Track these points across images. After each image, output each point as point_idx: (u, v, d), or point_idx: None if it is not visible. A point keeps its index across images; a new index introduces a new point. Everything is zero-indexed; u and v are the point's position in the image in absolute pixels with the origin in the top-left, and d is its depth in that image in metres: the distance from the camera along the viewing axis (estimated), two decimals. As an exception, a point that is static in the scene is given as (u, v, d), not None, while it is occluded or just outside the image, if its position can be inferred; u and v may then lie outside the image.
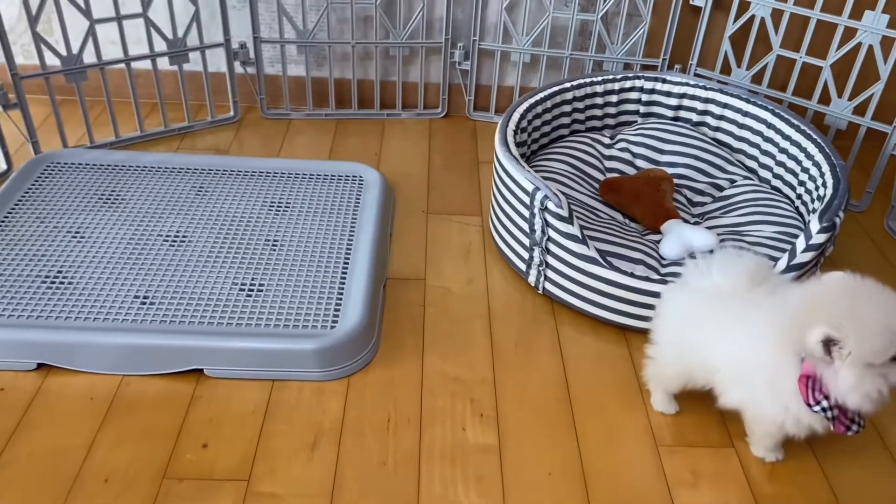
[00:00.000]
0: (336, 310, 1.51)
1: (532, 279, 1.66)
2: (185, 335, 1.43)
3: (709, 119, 2.00)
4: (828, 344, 1.05)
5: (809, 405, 1.10)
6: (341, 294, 1.54)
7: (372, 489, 1.24)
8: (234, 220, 1.74)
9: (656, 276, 1.53)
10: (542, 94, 1.90)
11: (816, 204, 1.68)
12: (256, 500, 1.22)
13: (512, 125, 1.77)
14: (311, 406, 1.38)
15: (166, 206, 1.78)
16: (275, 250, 1.66)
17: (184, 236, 1.69)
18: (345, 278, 1.59)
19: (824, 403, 1.10)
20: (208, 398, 1.39)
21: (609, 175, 1.91)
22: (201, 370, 1.42)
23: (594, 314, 1.58)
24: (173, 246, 1.65)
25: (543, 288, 1.65)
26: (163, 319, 1.46)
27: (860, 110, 1.93)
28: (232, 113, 2.23)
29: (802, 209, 1.78)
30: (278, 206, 1.80)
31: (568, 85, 1.96)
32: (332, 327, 1.47)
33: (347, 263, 1.63)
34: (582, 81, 1.97)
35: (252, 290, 1.55)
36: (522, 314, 1.62)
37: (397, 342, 1.53)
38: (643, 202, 1.75)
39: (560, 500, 1.25)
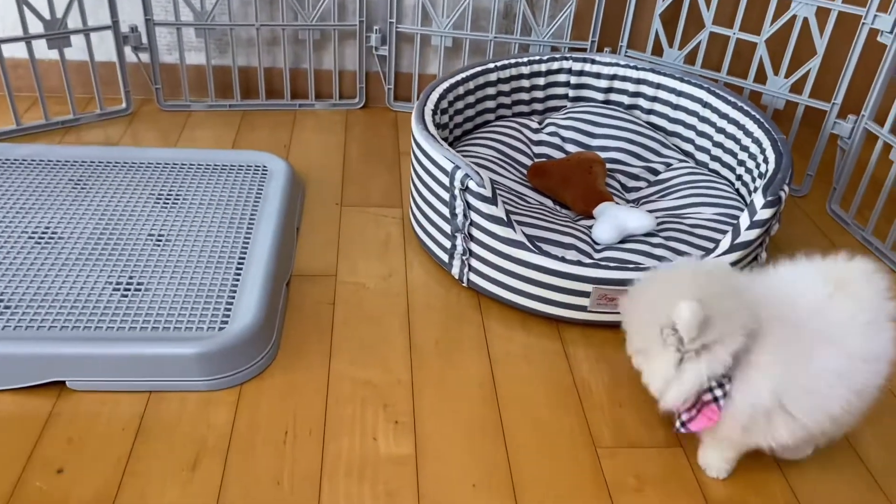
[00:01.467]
0: (227, 310, 1.30)
1: (455, 271, 1.49)
2: (43, 342, 1.21)
3: (641, 101, 1.87)
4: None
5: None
6: (234, 293, 1.34)
7: (262, 514, 1.04)
8: (115, 215, 1.53)
9: (589, 261, 1.37)
10: (463, 74, 1.75)
11: (758, 182, 1.56)
12: (118, 534, 1.00)
13: (430, 104, 1.60)
14: (193, 420, 1.18)
15: (36, 202, 1.55)
16: (159, 246, 1.45)
17: (53, 233, 1.46)
18: (239, 275, 1.38)
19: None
20: (69, 415, 1.16)
21: (538, 160, 1.76)
22: (63, 382, 1.20)
23: (523, 306, 1.41)
24: (39, 244, 1.43)
25: (468, 280, 1.48)
26: (18, 325, 1.24)
27: (797, 88, 1.83)
28: (124, 105, 2.01)
29: (743, 191, 1.65)
30: (167, 199, 1.59)
31: (492, 65, 1.81)
32: (221, 329, 1.26)
33: (243, 259, 1.42)
34: (507, 62, 1.83)
35: (129, 290, 1.33)
36: (445, 310, 1.45)
37: (300, 345, 1.33)
38: (574, 186, 1.60)
39: (486, 515, 1.07)
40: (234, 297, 1.33)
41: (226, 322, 1.28)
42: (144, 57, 1.99)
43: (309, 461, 1.12)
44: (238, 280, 1.37)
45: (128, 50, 1.97)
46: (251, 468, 1.10)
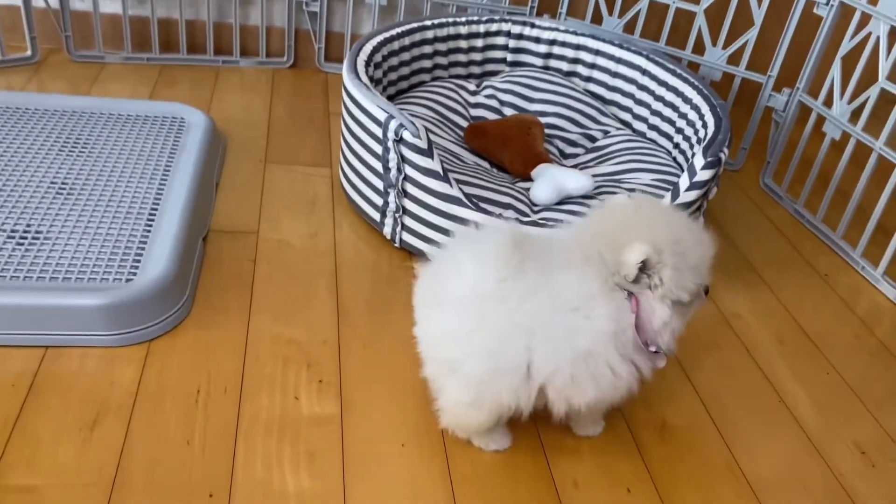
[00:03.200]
0: (135, 261, 1.19)
1: (387, 230, 1.41)
2: (-79, 291, 1.07)
3: (580, 68, 1.83)
4: (645, 269, 0.90)
5: (646, 345, 0.94)
6: (143, 244, 1.23)
7: (168, 473, 0.94)
8: (12, 162, 1.39)
9: (527, 220, 1.32)
10: (399, 29, 1.67)
11: (696, 149, 1.53)
12: (3, 495, 0.89)
13: (364, 55, 1.52)
14: (95, 377, 1.06)
15: (-79, 144, 1.40)
16: (62, 194, 1.32)
17: (-61, 177, 1.32)
18: (150, 227, 1.27)
19: (653, 347, 0.95)
20: (-50, 371, 1.04)
21: (475, 122, 1.69)
22: (-56, 336, 1.07)
23: (458, 266, 1.34)
24: (-77, 188, 1.28)
25: (400, 240, 1.40)
26: None
27: (735, 60, 1.83)
28: (29, 52, 1.86)
29: (681, 159, 1.63)
30: (73, 147, 1.46)
31: (428, 23, 1.73)
32: (129, 281, 1.15)
33: (155, 210, 1.31)
34: (444, 20, 1.76)
35: (25, 239, 1.20)
36: (375, 270, 1.37)
37: (218, 301, 1.23)
38: (512, 147, 1.54)
39: (416, 473, 0.99)
40: (143, 249, 1.22)
41: (133, 274, 1.16)
42: (53, 2, 1.83)
43: (223, 420, 1.03)
44: (149, 231, 1.26)
45: (34, -8, 1.81)
46: (158, 428, 1.00)
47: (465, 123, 1.68)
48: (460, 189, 1.31)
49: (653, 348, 0.94)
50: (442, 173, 1.29)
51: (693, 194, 1.34)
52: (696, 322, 1.35)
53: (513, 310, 0.90)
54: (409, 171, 1.31)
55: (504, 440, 1.04)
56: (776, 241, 1.66)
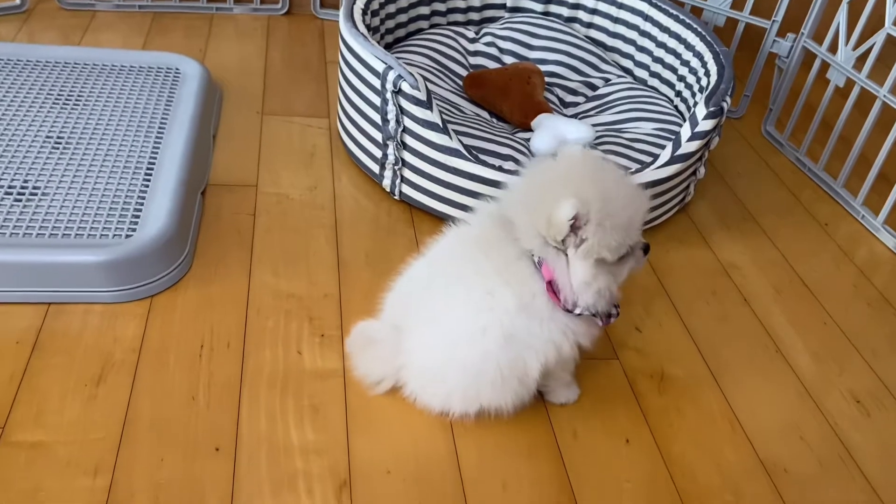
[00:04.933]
0: (135, 216, 1.19)
1: (387, 183, 1.40)
2: (-79, 249, 1.07)
3: (581, 14, 1.79)
4: (574, 226, 0.87)
5: (569, 311, 0.92)
6: (142, 199, 1.22)
7: (174, 429, 0.96)
8: (6, 116, 1.37)
9: (528, 171, 1.31)
10: (395, -25, 1.63)
11: (699, 98, 1.52)
12: (11, 451, 0.90)
13: (360, 2, 1.48)
14: (98, 333, 1.07)
15: (-87, 98, 1.38)
16: (58, 149, 1.31)
17: (-67, 132, 1.30)
18: (148, 181, 1.26)
19: (577, 309, 0.92)
20: (-46, 329, 1.05)
21: (474, 70, 1.67)
22: (-54, 294, 1.08)
23: (458, 218, 1.34)
24: (-83, 143, 1.27)
25: (400, 192, 1.40)
26: None
27: (738, 5, 1.79)
28: (18, 1, 1.82)
29: (682, 108, 1.61)
30: (66, 100, 1.44)
31: (426, -32, 1.69)
32: (129, 236, 1.15)
33: (153, 165, 1.30)
34: (441, -35, 1.72)
35: (23, 195, 1.20)
36: (375, 223, 1.36)
37: (218, 256, 1.23)
38: (512, 96, 1.52)
39: (418, 425, 1.01)
40: (142, 204, 1.21)
41: (133, 229, 1.16)
42: (40, -53, 1.79)
43: (227, 375, 1.04)
44: (147, 186, 1.25)
45: (20, -63, 1.76)
46: (163, 383, 1.01)
47: (464, 72, 1.65)
48: (459, 141, 1.30)
49: (577, 311, 0.91)
50: (441, 125, 1.28)
51: (694, 145, 1.33)
52: (693, 272, 1.37)
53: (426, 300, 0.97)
54: (407, 123, 1.30)
55: None
56: (776, 189, 1.65)
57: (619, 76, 1.71)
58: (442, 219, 1.35)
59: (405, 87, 1.26)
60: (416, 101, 1.27)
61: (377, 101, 1.33)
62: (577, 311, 0.91)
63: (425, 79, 1.55)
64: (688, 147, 1.33)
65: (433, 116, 1.27)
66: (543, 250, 0.90)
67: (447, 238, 1.02)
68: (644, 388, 1.12)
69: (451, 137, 1.28)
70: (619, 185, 0.91)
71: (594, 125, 1.55)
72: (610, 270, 0.91)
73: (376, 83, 1.31)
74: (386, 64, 1.28)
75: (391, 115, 1.31)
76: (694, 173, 1.45)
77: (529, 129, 1.49)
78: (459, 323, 0.95)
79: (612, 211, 0.88)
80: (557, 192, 0.88)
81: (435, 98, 1.49)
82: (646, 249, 0.96)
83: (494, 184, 1.27)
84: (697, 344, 1.21)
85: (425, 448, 0.99)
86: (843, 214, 1.59)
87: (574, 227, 0.87)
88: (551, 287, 0.90)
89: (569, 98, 1.67)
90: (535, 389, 1.01)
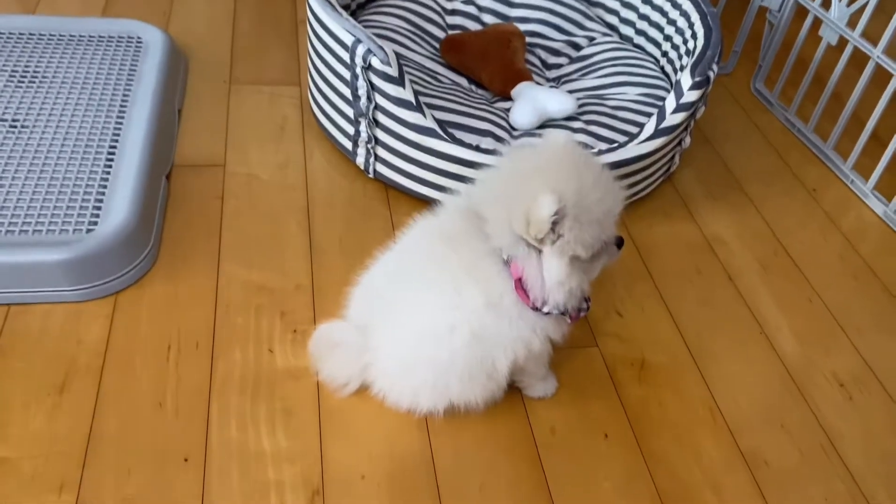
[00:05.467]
0: (96, 208, 1.14)
1: (360, 161, 1.35)
2: None
3: (564, -33, 1.70)
4: (554, 221, 0.82)
5: (538, 309, 0.88)
6: (103, 188, 1.17)
7: (142, 438, 0.93)
8: (-43, 96, 1.30)
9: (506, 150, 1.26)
10: (366, -69, 1.54)
11: (685, 60, 1.45)
12: (-27, 472, 0.88)
13: (327, -35, 1.40)
14: (61, 336, 1.04)
15: None
16: (13, 133, 1.25)
17: None
18: (110, 167, 1.21)
19: (546, 308, 0.88)
20: None
21: (452, 33, 1.59)
22: None
23: (435, 199, 1.29)
24: None
25: (374, 171, 1.34)
26: None
27: (729, -45, 1.71)
28: (-33, -39, 1.71)
29: (669, 69, 1.55)
30: (22, 76, 1.36)
31: (398, -79, 1.59)
32: (90, 231, 1.10)
33: (114, 148, 1.24)
34: (415, -82, 1.62)
35: (-24, 187, 1.15)
36: (350, 204, 1.32)
37: (185, 247, 1.19)
38: (491, 63, 1.46)
39: (393, 427, 0.99)
40: (103, 193, 1.16)
41: (95, 222, 1.11)
42: None
43: (196, 379, 1.01)
44: (108, 173, 1.20)
45: None
46: (129, 389, 0.99)
47: (441, 34, 1.57)
48: (434, 119, 1.24)
49: (546, 310, 0.88)
50: (415, 103, 1.22)
51: (679, 116, 1.28)
52: (677, 248, 1.33)
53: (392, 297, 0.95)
54: (379, 100, 1.24)
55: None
56: (764, 152, 1.60)
57: (605, 34, 1.64)
58: (419, 199, 1.31)
59: (375, 62, 1.20)
60: (388, 78, 1.21)
61: (347, 75, 1.26)
62: (546, 309, 0.88)
63: (400, 43, 1.49)
64: (673, 119, 1.28)
65: (406, 94, 1.21)
66: (513, 248, 0.86)
67: (413, 232, 0.98)
68: (624, 377, 1.10)
69: (425, 116, 1.22)
70: (595, 178, 0.86)
71: (577, 91, 1.49)
72: (583, 268, 0.88)
73: (345, 57, 1.24)
74: (354, 37, 1.21)
75: (362, 92, 1.24)
76: (679, 143, 1.40)
77: (510, 98, 1.43)
78: (426, 321, 0.92)
79: (587, 205, 0.84)
80: (531, 186, 0.83)
81: (409, 65, 1.43)
82: (619, 243, 0.93)
83: (472, 164, 1.22)
84: (680, 328, 1.19)
85: (400, 449, 0.97)
86: (832, 179, 1.55)
87: (552, 223, 0.82)
88: (520, 285, 0.86)
89: (551, 59, 1.60)
90: (507, 384, 0.99)
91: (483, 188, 0.91)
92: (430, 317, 0.92)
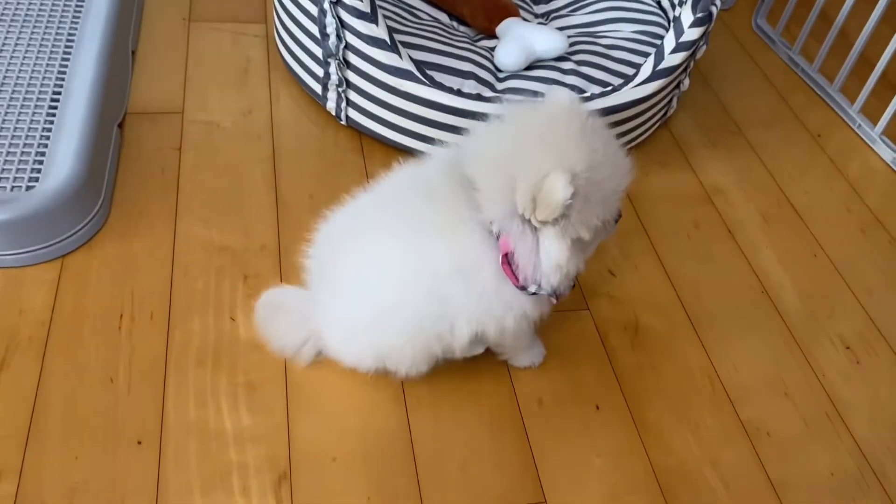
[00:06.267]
0: (37, 162, 1.03)
1: (331, 106, 1.24)
2: None
3: None
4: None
5: (524, 289, 0.79)
6: (45, 139, 1.06)
7: (91, 419, 0.85)
8: None
9: (490, 94, 1.15)
10: None
11: (685, -6, 1.34)
12: None
13: None
14: (1, 305, 0.94)
15: None
16: (-56, 78, 1.13)
17: None
18: (52, 116, 1.09)
19: (532, 287, 0.78)
20: None
21: (431, -36, 1.46)
22: None
23: (413, 148, 1.19)
24: None
25: (346, 117, 1.23)
26: None
27: None
28: None
29: (666, 3, 1.43)
30: (-47, 14, 1.24)
31: None
32: (30, 188, 1.00)
33: (58, 95, 1.12)
34: None
35: None
36: (320, 154, 1.21)
37: (139, 203, 1.09)
38: (474, -3, 1.33)
39: (367, 401, 0.91)
40: (46, 145, 1.05)
41: (36, 178, 1.01)
42: None
43: (150, 351, 0.92)
44: (51, 121, 1.08)
45: None
46: (77, 363, 0.90)
47: (419, -34, 1.44)
48: (411, 59, 1.13)
49: (532, 289, 0.78)
50: (389, 42, 1.10)
51: (679, 57, 1.18)
52: (674, 200, 1.24)
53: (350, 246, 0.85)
54: (350, 38, 1.12)
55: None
56: (766, 94, 1.50)
57: (597, -35, 1.51)
58: (396, 148, 1.20)
59: (345, -4, 1.08)
60: (359, 14, 1.09)
61: (314, 11, 1.14)
62: (533, 289, 0.78)
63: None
64: (671, 60, 1.17)
65: (379, 31, 1.10)
66: (507, 223, 0.76)
67: (392, 178, 0.86)
68: (617, 342, 1.02)
69: (401, 57, 1.11)
70: (604, 149, 0.76)
71: (567, 28, 1.37)
72: (581, 248, 0.78)
73: (312, -10, 1.12)
74: (321, -32, 1.09)
75: (331, 30, 1.13)
76: (678, 86, 1.29)
77: (494, 36, 1.31)
78: (378, 269, 0.82)
79: (598, 181, 0.74)
80: (537, 158, 0.73)
81: (384, 2, 1.31)
82: (618, 216, 0.83)
83: (453, 110, 1.12)
84: (676, 288, 1.11)
85: (375, 426, 0.90)
86: (838, 123, 1.46)
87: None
88: (507, 262, 0.77)
89: (539, -7, 1.48)
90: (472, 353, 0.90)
91: (475, 149, 0.79)
92: (383, 266, 0.82)
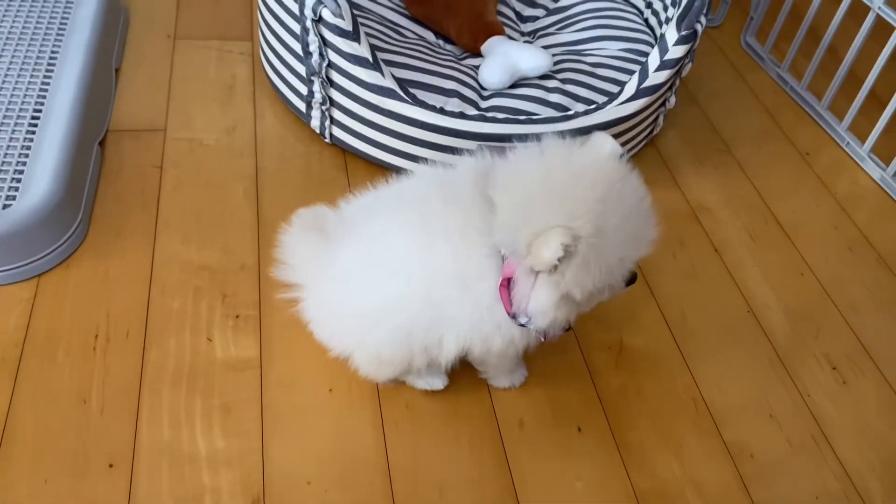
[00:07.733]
0: (15, 180, 1.02)
1: (315, 123, 1.23)
2: None
3: None
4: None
5: (513, 317, 0.77)
6: (24, 156, 1.05)
7: (62, 441, 0.84)
8: None
9: (474, 112, 1.15)
10: None
11: (671, 12, 1.33)
12: None
13: None
14: (-27, 325, 0.93)
15: None
16: (-76, 95, 1.12)
17: None
18: (33, 133, 1.09)
19: (522, 319, 0.77)
20: None
21: (417, -18, 1.46)
22: None
23: (396, 166, 1.19)
24: None
25: (331, 135, 1.23)
26: None
27: None
28: None
29: (653, 21, 1.43)
30: (-64, 31, 1.23)
31: None
32: (7, 206, 0.99)
33: (39, 111, 1.12)
34: None
35: None
36: (304, 172, 1.21)
37: (118, 222, 1.08)
38: (460, 15, 1.33)
39: (344, 424, 0.90)
40: (24, 163, 1.04)
41: (13, 196, 1.00)
42: None
43: (125, 372, 0.91)
44: (31, 140, 1.07)
45: None
46: (50, 384, 0.88)
47: (406, -16, 1.44)
48: (394, 77, 1.12)
49: (521, 320, 0.77)
50: (371, 60, 1.10)
51: (664, 75, 1.17)
52: (661, 219, 1.23)
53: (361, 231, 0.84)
54: (332, 56, 1.12)
55: (435, 381, 0.93)
56: (754, 111, 1.50)
57: (585, -17, 1.51)
58: (380, 166, 1.20)
59: (326, 14, 1.07)
60: (341, 32, 1.08)
61: (298, 29, 1.14)
62: (522, 321, 0.77)
63: (352, 4, 1.35)
64: (656, 78, 1.17)
65: (361, 50, 1.09)
66: (512, 253, 0.75)
67: (417, 177, 0.85)
68: (600, 362, 1.01)
69: (383, 74, 1.11)
70: (627, 212, 0.73)
71: (553, 46, 1.37)
72: (575, 302, 0.76)
73: (294, 8, 1.12)
74: (303, -15, 1.09)
75: (314, 48, 1.12)
76: (663, 104, 1.29)
77: (479, 55, 1.31)
78: (379, 257, 0.81)
79: (605, 247, 0.72)
80: (549, 204, 0.71)
81: (368, 17, 1.31)
82: (630, 280, 0.80)
83: (435, 128, 1.12)
84: (661, 306, 1.09)
85: (352, 449, 0.88)
86: (826, 141, 1.45)
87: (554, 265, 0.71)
88: (506, 286, 0.76)
89: (527, 11, 1.48)
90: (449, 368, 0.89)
91: (503, 174, 0.77)
92: (389, 258, 0.81)
